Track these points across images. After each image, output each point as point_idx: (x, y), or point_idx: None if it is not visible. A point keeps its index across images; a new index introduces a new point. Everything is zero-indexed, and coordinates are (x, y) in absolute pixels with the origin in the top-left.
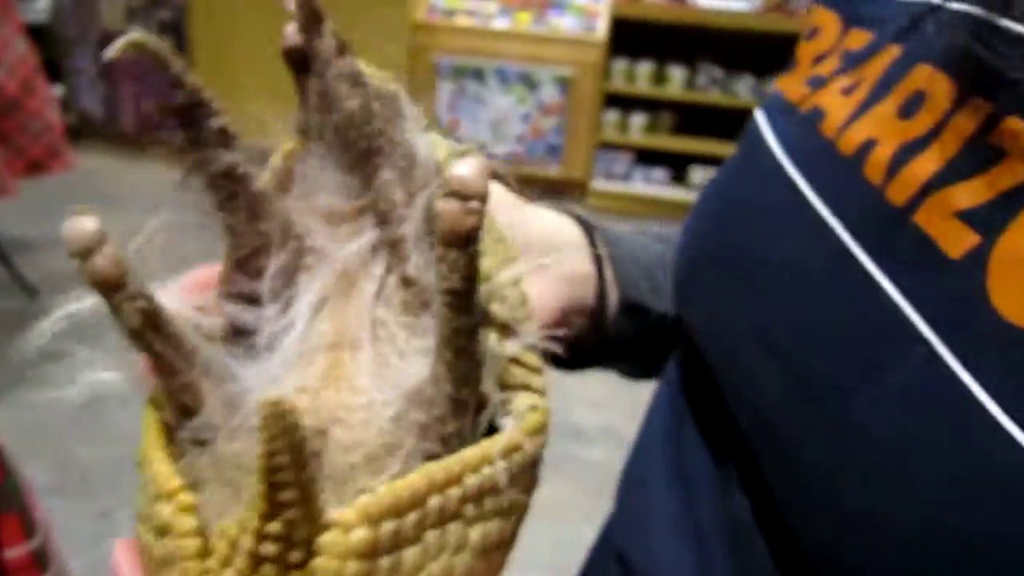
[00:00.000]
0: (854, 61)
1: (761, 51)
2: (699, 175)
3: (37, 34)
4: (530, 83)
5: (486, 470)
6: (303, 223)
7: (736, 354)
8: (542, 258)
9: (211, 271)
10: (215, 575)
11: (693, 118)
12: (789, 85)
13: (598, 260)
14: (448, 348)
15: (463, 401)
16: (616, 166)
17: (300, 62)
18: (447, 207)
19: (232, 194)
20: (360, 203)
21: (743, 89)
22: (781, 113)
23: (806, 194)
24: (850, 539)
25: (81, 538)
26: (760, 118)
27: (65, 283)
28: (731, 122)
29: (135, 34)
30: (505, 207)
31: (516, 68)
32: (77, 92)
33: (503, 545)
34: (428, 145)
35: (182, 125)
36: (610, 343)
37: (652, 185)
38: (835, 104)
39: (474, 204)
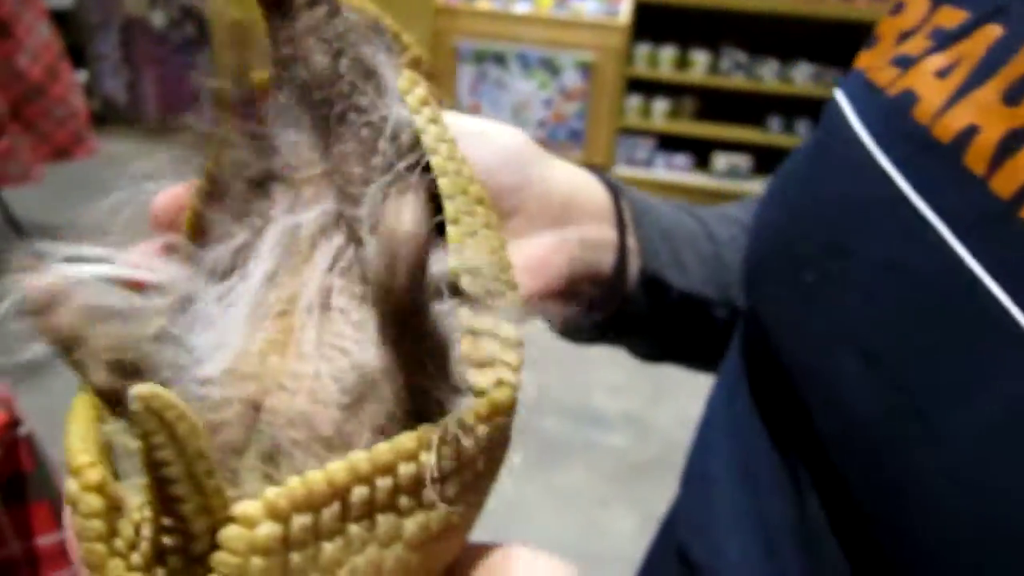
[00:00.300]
0: (948, 40)
1: (786, 34)
2: (722, 161)
3: (60, 20)
4: (552, 68)
5: (424, 457)
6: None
7: (822, 357)
8: (561, 218)
9: (179, 196)
10: (122, 559)
11: (716, 103)
12: (872, 64)
13: (621, 227)
14: (388, 342)
15: (421, 388)
16: (638, 152)
17: (274, 2)
18: (378, 264)
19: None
20: (318, 171)
21: (768, 73)
22: (866, 96)
23: (901, 187)
24: (951, 547)
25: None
26: (842, 100)
27: None
28: (755, 107)
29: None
30: (524, 160)
31: (538, 53)
32: (100, 78)
33: (452, 532)
34: (403, 120)
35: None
36: (625, 316)
37: (674, 171)
38: (929, 87)
39: (404, 263)
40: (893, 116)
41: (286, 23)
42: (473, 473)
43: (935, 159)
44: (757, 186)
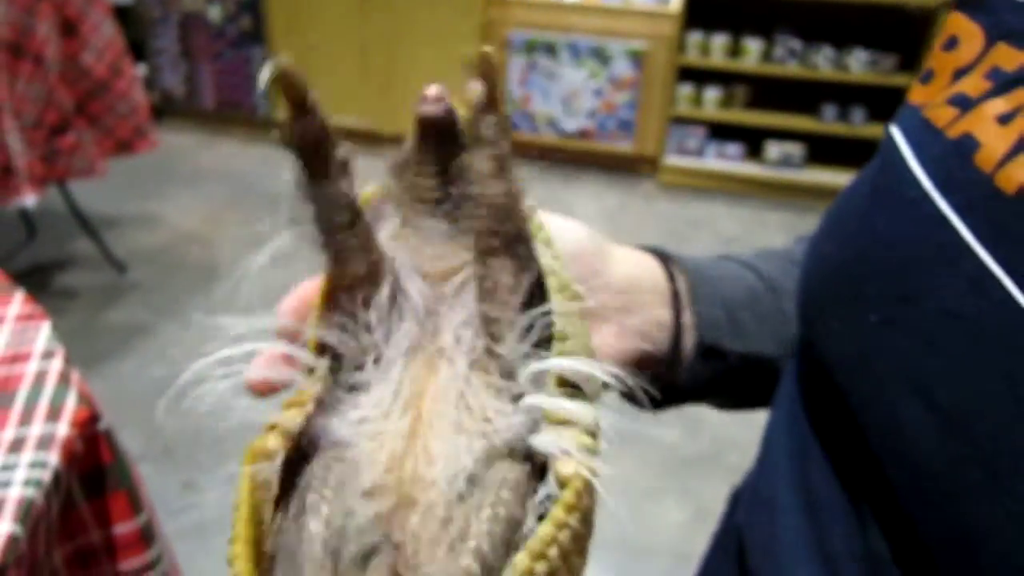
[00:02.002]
0: (1008, 84)
1: (841, 21)
2: (774, 150)
3: (121, 15)
4: (602, 57)
5: (539, 567)
6: (402, 265)
7: (885, 400)
8: (621, 308)
9: (306, 294)
10: None
11: (769, 91)
12: (928, 100)
13: (676, 303)
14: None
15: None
16: (689, 141)
17: (438, 132)
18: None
19: (349, 222)
20: (458, 269)
21: (822, 61)
22: (924, 136)
23: (964, 236)
24: None
25: (167, 506)
26: (899, 139)
27: (152, 258)
28: (809, 95)
29: (280, 61)
30: (588, 254)
31: (588, 42)
32: (159, 72)
33: None
34: (546, 257)
35: (306, 155)
36: (684, 386)
37: (726, 160)
38: (990, 133)
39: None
40: (954, 161)
41: (456, 147)
42: (576, 552)
43: (999, 211)
44: (810, 176)
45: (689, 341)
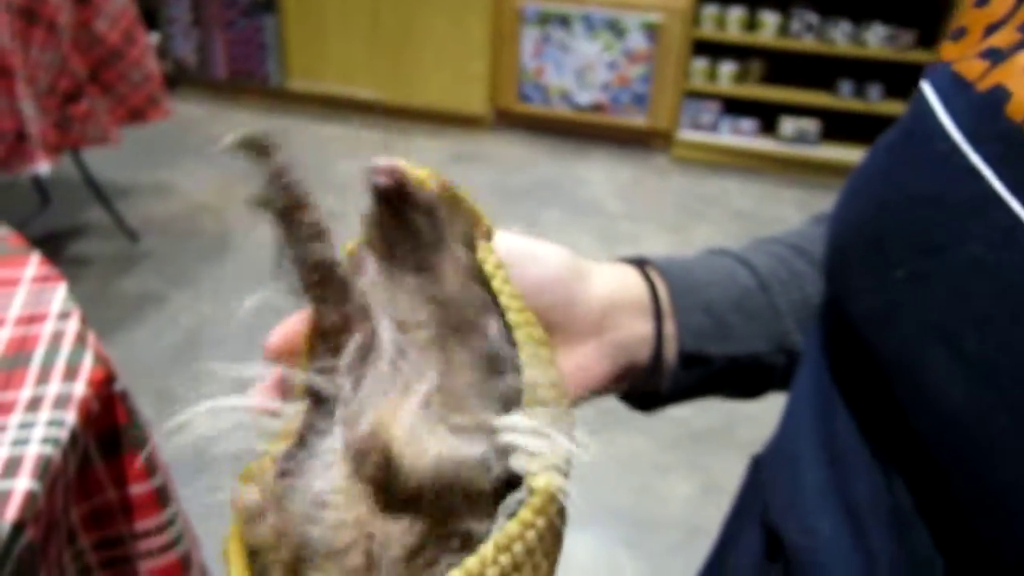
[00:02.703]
0: None
1: None
2: (789, 126)
3: None
4: (617, 30)
5: (503, 558)
6: (378, 314)
7: (913, 353)
8: (601, 327)
9: (291, 331)
10: None
11: (785, 66)
12: (960, 56)
13: (657, 315)
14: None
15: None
16: (703, 116)
17: (391, 200)
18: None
19: (323, 280)
20: (426, 322)
21: (839, 36)
22: (955, 90)
23: (995, 186)
24: None
25: (180, 470)
26: (930, 94)
27: (165, 226)
28: (825, 70)
29: (245, 132)
30: (565, 280)
31: (603, 14)
32: (172, 41)
33: None
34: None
35: (281, 219)
36: (668, 393)
37: (740, 136)
38: (1022, 84)
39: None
40: (984, 112)
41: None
42: (543, 554)
43: None
44: (825, 152)
45: (671, 351)
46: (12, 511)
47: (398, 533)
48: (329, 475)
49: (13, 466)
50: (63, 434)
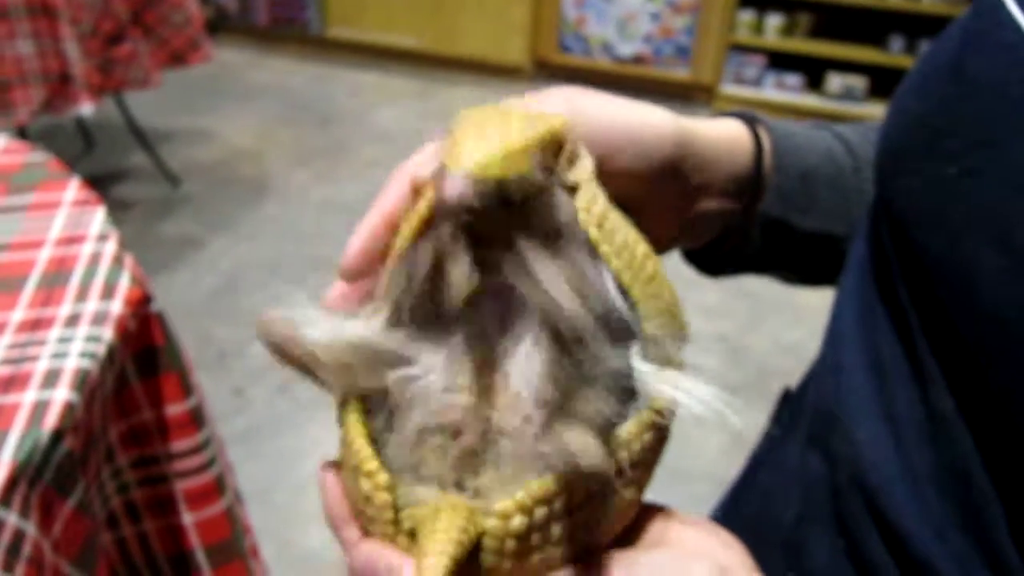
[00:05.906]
0: None
1: None
2: (836, 82)
3: None
4: None
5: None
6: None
7: (961, 250)
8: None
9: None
10: (405, 536)
11: (834, 20)
12: None
13: (759, 162)
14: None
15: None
16: (747, 70)
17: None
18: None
19: None
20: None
21: None
22: None
23: None
24: None
25: (217, 411)
26: None
27: (205, 171)
28: (876, 25)
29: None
30: (670, 158)
31: None
32: None
33: (633, 505)
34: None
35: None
36: (745, 254)
37: (784, 91)
38: None
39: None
40: None
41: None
42: (645, 465)
43: None
44: (872, 110)
45: (762, 205)
46: (51, 419)
47: (514, 417)
48: (449, 373)
49: (52, 378)
50: (100, 349)
